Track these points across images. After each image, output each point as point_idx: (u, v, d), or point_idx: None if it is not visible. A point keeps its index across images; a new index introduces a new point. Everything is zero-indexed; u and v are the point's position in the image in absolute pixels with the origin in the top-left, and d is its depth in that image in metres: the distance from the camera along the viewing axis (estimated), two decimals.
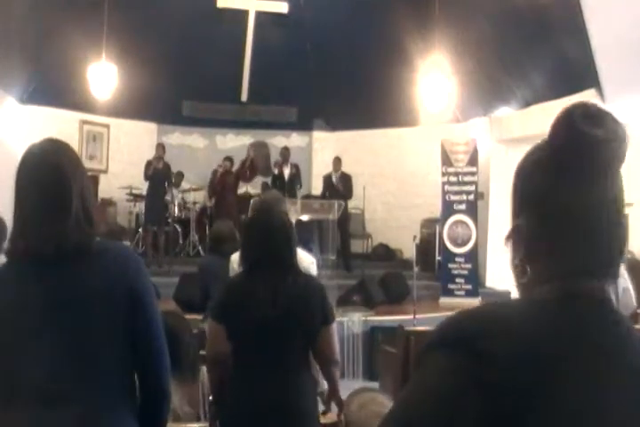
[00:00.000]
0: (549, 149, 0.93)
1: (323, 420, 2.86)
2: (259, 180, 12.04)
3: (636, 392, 0.86)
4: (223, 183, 11.07)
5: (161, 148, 10.49)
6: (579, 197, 0.90)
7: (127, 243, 9.71)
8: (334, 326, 2.85)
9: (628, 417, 0.84)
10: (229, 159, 11.32)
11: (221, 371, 2.80)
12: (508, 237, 0.98)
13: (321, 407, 2.85)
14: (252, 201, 10.08)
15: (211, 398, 3.01)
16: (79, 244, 1.70)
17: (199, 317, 5.20)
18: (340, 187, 10.66)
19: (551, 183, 0.92)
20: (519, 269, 0.95)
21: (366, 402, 2.12)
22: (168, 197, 10.51)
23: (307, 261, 3.91)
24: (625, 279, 3.68)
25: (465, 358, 0.83)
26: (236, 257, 3.87)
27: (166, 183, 10.33)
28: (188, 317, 4.08)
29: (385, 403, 2.12)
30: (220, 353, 2.76)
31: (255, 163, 11.55)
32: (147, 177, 10.20)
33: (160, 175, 10.15)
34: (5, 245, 1.76)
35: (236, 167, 11.42)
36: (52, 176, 1.74)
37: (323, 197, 10.81)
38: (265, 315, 2.65)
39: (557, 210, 0.92)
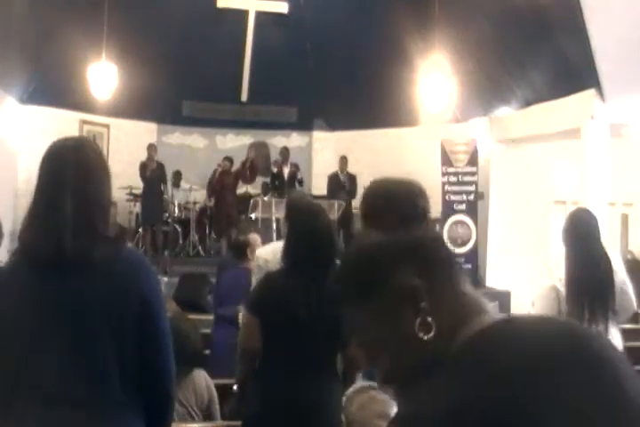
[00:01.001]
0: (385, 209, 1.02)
1: None
2: (259, 180, 12.03)
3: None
4: (222, 183, 11.05)
5: (153, 148, 10.45)
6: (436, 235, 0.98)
7: (128, 244, 9.70)
8: None
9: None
10: (229, 159, 11.31)
11: (251, 365, 2.80)
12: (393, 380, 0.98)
13: None
14: (252, 201, 10.12)
15: (235, 388, 3.00)
16: (83, 247, 1.69)
17: (199, 316, 5.20)
18: (347, 186, 10.70)
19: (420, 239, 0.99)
20: (423, 328, 0.93)
21: (366, 402, 2.12)
22: (166, 197, 10.50)
23: None
24: (625, 282, 3.66)
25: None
26: (262, 254, 3.85)
27: (161, 182, 10.31)
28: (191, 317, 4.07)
29: (385, 401, 2.12)
30: (252, 346, 2.76)
31: (255, 164, 11.53)
32: (144, 179, 10.19)
33: (155, 175, 10.15)
34: (4, 242, 1.76)
35: (235, 167, 11.41)
36: (55, 175, 1.74)
37: (328, 196, 10.82)
38: (300, 314, 2.65)
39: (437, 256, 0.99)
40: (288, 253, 2.84)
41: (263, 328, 2.72)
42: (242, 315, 2.84)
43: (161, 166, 10.33)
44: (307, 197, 3.20)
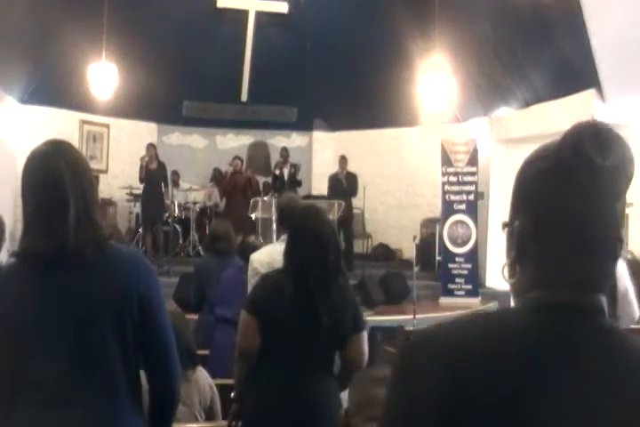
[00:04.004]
0: (554, 166, 0.93)
1: None
2: (259, 180, 12.03)
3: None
4: (234, 183, 10.99)
5: (152, 148, 10.36)
6: (577, 212, 0.91)
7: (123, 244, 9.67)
8: (365, 334, 2.86)
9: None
10: (239, 158, 11.27)
11: (248, 365, 2.79)
12: (503, 227, 0.98)
13: None
14: (251, 201, 10.09)
15: (233, 395, 2.99)
16: (81, 245, 1.70)
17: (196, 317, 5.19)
18: (345, 185, 10.68)
19: (551, 196, 0.93)
20: (510, 269, 0.97)
21: (361, 375, 2.15)
22: (167, 198, 10.45)
23: None
24: (627, 290, 3.66)
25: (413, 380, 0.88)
26: (257, 257, 3.84)
27: (163, 183, 10.25)
28: (187, 317, 4.07)
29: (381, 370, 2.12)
30: (250, 346, 2.75)
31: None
32: (141, 180, 10.14)
33: (154, 175, 10.09)
34: (5, 245, 1.76)
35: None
36: (49, 178, 1.74)
37: (329, 195, 10.80)
38: (297, 317, 2.66)
39: (553, 221, 0.92)
40: (293, 257, 2.81)
41: (261, 328, 2.71)
42: (241, 314, 2.82)
43: (162, 166, 10.28)
44: (299, 200, 3.20)
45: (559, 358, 0.85)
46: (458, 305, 8.94)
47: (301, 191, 11.45)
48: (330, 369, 2.79)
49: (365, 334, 2.86)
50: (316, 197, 11.25)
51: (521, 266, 0.95)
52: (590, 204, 0.91)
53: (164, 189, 10.29)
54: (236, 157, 11.24)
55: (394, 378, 0.92)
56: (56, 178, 1.73)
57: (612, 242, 0.93)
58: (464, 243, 9.83)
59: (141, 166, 10.08)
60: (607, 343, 0.88)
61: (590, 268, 0.91)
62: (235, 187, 10.93)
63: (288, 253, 2.85)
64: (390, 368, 0.94)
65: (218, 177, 11.82)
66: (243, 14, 11.31)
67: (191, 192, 11.42)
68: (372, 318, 7.86)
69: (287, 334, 2.67)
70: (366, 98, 11.20)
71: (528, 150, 1.00)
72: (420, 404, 0.86)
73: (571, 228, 0.91)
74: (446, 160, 10.05)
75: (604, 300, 0.92)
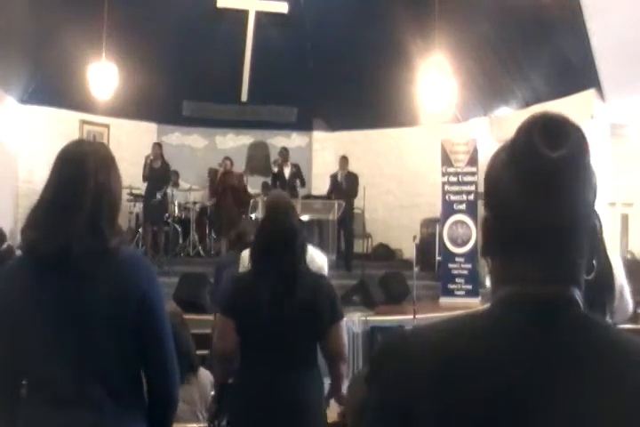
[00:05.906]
0: (510, 160, 0.92)
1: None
2: (259, 179, 12.03)
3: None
4: (224, 183, 11.02)
5: (157, 147, 10.40)
6: (533, 207, 0.89)
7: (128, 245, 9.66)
8: (343, 323, 2.86)
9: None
10: (229, 159, 11.30)
11: (228, 367, 2.81)
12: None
13: None
14: (252, 201, 10.11)
15: (212, 393, 3.00)
16: (89, 245, 1.69)
17: (199, 316, 5.19)
18: (344, 186, 10.66)
19: (509, 190, 0.91)
20: (485, 261, 0.97)
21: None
22: (168, 197, 10.46)
23: (319, 259, 3.92)
24: (623, 287, 3.67)
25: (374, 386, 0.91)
26: (246, 254, 3.87)
27: (165, 182, 10.26)
28: (187, 317, 4.07)
29: None
30: (227, 348, 2.77)
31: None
32: (144, 178, 10.16)
33: (158, 175, 10.11)
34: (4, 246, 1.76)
35: (234, 167, 11.37)
36: (70, 176, 1.74)
37: (329, 196, 10.80)
38: (274, 313, 2.66)
39: (511, 215, 0.91)
40: (255, 253, 2.84)
41: (241, 328, 2.72)
42: (216, 317, 2.83)
43: (166, 167, 10.30)
44: (279, 197, 3.20)
45: (549, 357, 0.85)
46: (458, 305, 8.93)
47: (301, 191, 11.46)
48: (312, 364, 2.78)
49: (343, 324, 2.86)
50: (316, 197, 11.26)
51: (491, 259, 0.95)
52: (546, 197, 0.88)
53: (165, 189, 10.29)
54: (226, 158, 11.23)
55: (379, 379, 0.91)
56: (76, 175, 1.73)
57: (578, 234, 0.90)
58: (464, 243, 9.84)
59: (145, 164, 10.10)
60: (593, 338, 0.87)
61: (553, 262, 0.89)
62: (225, 188, 10.94)
63: (251, 250, 2.87)
64: (369, 368, 0.93)
65: (212, 177, 11.83)
66: (243, 14, 11.31)
67: (191, 192, 11.43)
68: (372, 318, 7.88)
69: (263, 331, 2.69)
70: (366, 98, 11.20)
71: None
72: (412, 405, 0.85)
73: (529, 223, 0.89)
74: (446, 160, 10.05)
75: (577, 292, 0.90)
